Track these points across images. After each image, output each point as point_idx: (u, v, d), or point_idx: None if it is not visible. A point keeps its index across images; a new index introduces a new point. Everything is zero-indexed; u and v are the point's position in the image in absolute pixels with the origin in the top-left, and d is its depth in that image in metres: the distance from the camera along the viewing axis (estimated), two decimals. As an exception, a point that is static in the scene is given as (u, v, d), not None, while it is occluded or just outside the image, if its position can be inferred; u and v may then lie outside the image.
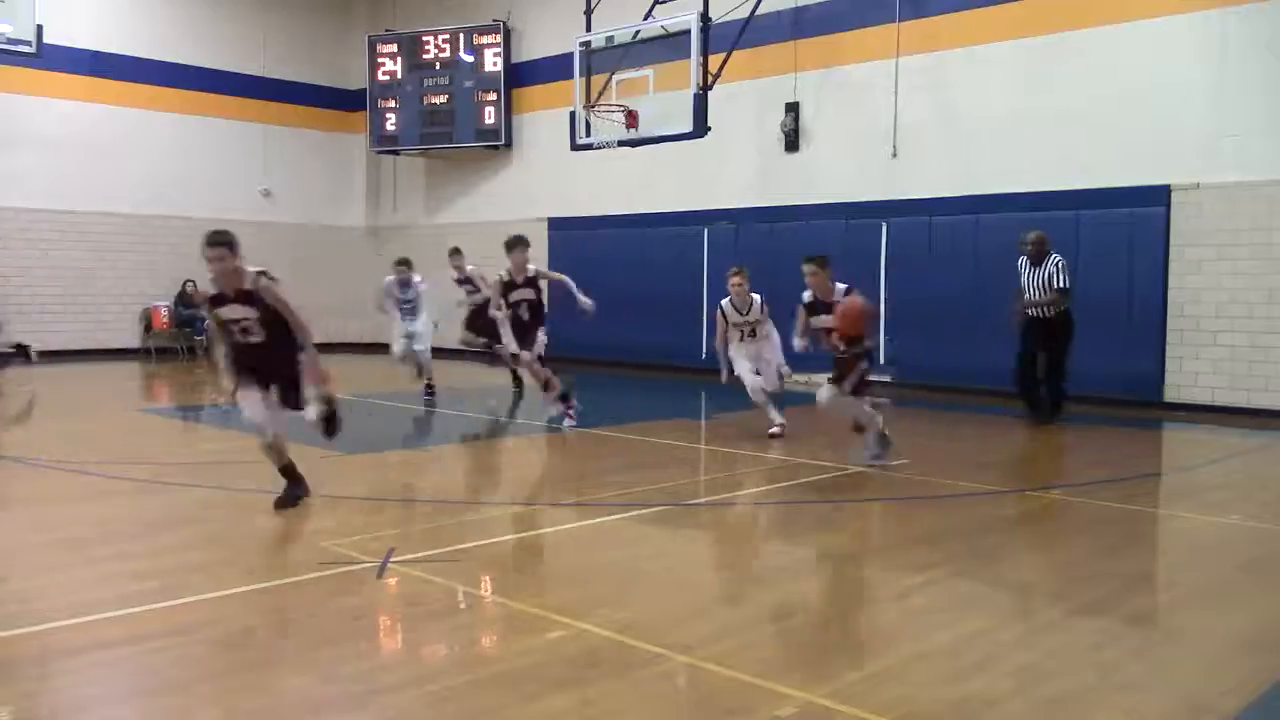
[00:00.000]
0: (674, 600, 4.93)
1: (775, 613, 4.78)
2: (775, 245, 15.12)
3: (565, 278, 10.84)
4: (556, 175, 17.82)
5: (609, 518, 6.42)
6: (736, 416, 12.09)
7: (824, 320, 8.12)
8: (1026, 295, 10.80)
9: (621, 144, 14.30)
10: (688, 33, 13.30)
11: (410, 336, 12.60)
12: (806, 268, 8.14)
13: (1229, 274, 11.51)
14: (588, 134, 14.50)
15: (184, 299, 18.68)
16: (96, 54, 17.81)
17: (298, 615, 4.52)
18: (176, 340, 18.66)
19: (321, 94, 20.79)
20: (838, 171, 14.60)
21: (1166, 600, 5.16)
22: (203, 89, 19.13)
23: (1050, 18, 12.70)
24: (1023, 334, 10.93)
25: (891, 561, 5.62)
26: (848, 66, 14.48)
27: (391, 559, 5.25)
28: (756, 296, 9.58)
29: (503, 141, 18.88)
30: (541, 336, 10.24)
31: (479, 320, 12.89)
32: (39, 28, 15.67)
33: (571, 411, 10.15)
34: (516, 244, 10.19)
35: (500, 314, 10.15)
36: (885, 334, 14.22)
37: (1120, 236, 12.07)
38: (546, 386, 10.19)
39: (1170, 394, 11.90)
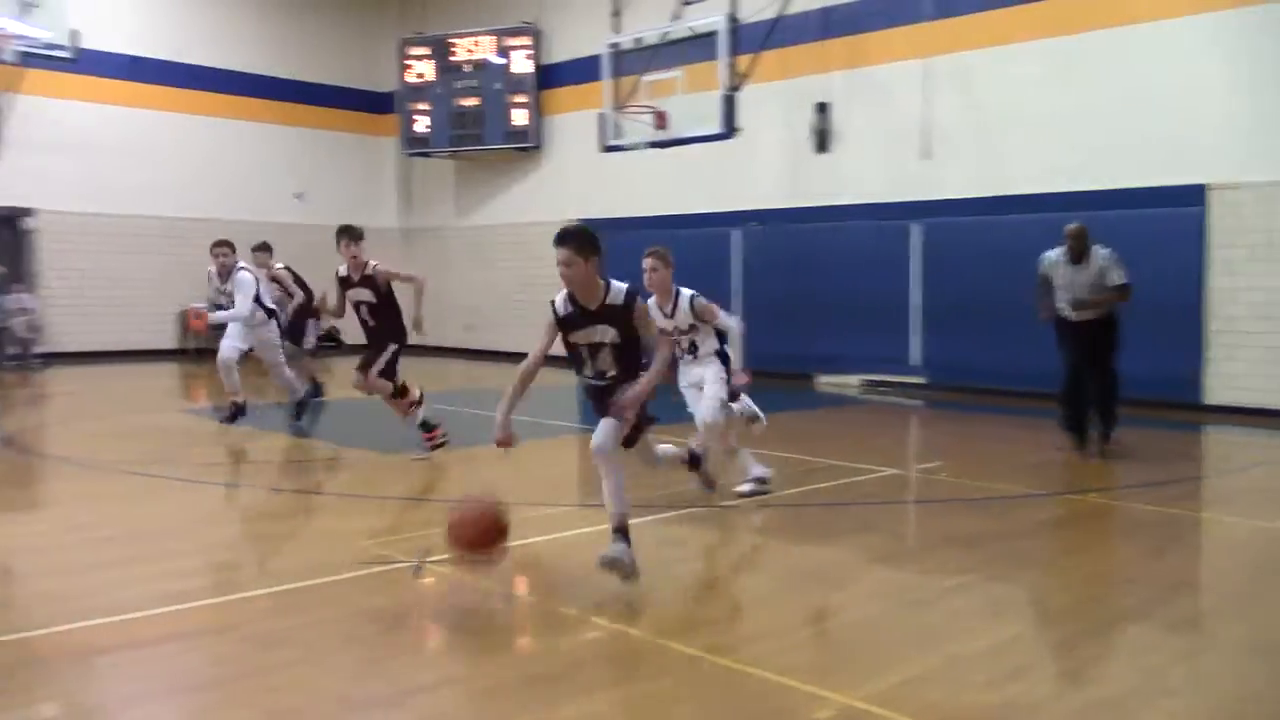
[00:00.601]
0: (710, 602, 4.91)
1: (812, 615, 4.75)
2: (805, 247, 15.10)
3: (418, 277, 8.84)
4: (586, 177, 17.85)
5: (642, 519, 6.39)
6: (769, 418, 12.06)
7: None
8: (1067, 297, 8.86)
9: (651, 145, 14.31)
10: (716, 33, 13.30)
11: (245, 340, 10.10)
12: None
13: (1267, 274, 11.35)
14: (617, 135, 14.52)
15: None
16: (133, 59, 18.01)
17: (336, 614, 4.54)
18: (212, 341, 18.82)
19: (353, 97, 20.93)
20: (868, 172, 14.54)
21: (1209, 606, 5.09)
22: (236, 92, 19.32)
23: (1082, 15, 12.58)
24: (1063, 344, 8.99)
25: (928, 564, 5.58)
26: (877, 66, 14.42)
27: (428, 559, 5.26)
28: (686, 293, 6.80)
29: (532, 143, 18.93)
30: (388, 350, 8.56)
31: (294, 325, 11.61)
32: (75, 33, 15.88)
33: (433, 440, 8.72)
34: (344, 234, 8.48)
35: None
36: (918, 335, 14.16)
37: (1157, 236, 11.92)
38: (406, 409, 8.74)
39: (1209, 396, 11.75)
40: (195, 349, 18.66)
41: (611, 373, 5.10)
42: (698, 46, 13.63)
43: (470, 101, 19.26)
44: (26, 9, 15.43)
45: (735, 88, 13.28)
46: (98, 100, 17.66)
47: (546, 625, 4.50)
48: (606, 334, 5.05)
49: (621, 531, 4.88)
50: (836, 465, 8.28)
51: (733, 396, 6.86)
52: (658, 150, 14.61)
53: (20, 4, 15.40)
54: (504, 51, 18.99)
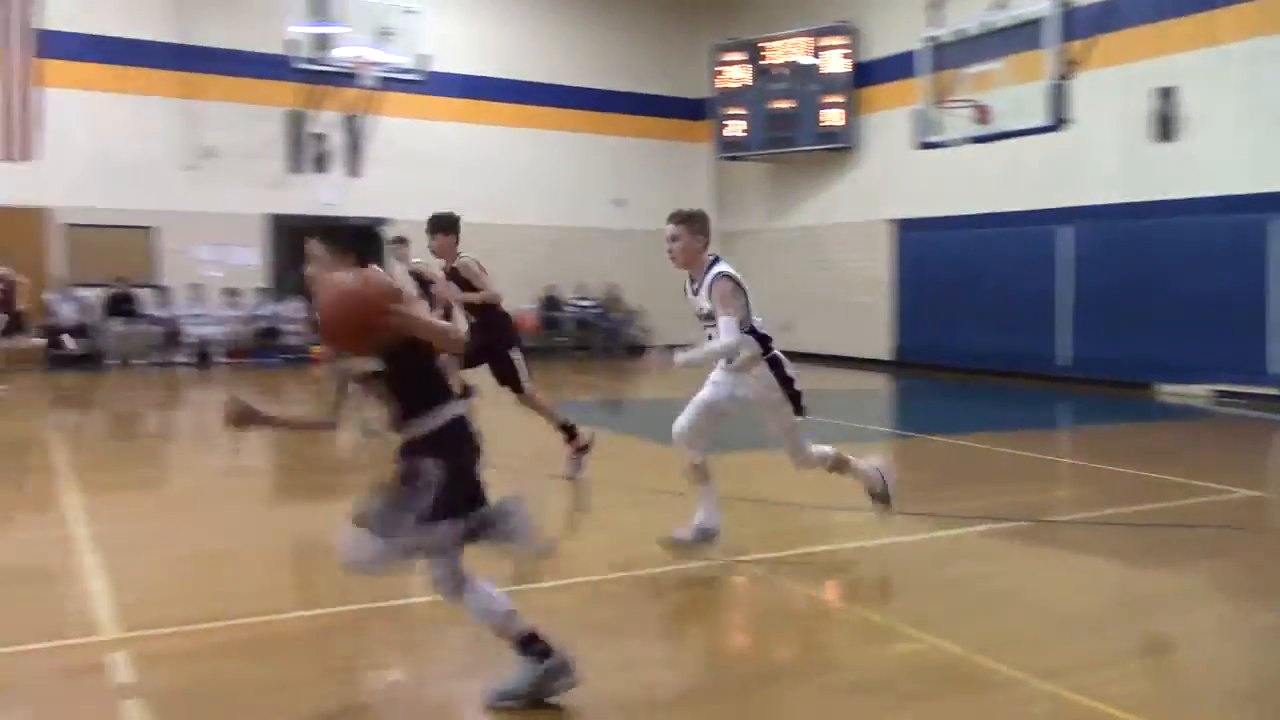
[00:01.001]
0: (1031, 622, 4.64)
1: (1148, 645, 4.38)
2: (1143, 243, 13.96)
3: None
4: (903, 175, 17.42)
5: (958, 530, 6.17)
6: (1099, 430, 11.29)
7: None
8: None
9: (971, 141, 13.77)
10: (1043, 19, 12.59)
11: None
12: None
13: None
14: (935, 131, 14.08)
15: (550, 303, 20.10)
16: (470, 78, 19.48)
17: (647, 607, 4.69)
18: (545, 341, 20.05)
19: (667, 104, 21.57)
20: (1220, 161, 13.18)
21: None
22: (557, 105, 20.44)
23: None
24: None
25: (1289, 598, 4.99)
26: (1232, 44, 13.04)
27: (737, 558, 5.33)
28: (719, 268, 5.30)
29: (846, 143, 18.71)
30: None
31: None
32: (424, 57, 17.40)
33: None
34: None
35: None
36: None
37: None
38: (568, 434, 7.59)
39: None
40: (528, 348, 19.95)
41: (389, 418, 3.52)
42: (1022, 35, 12.96)
43: (783, 104, 19.31)
44: (385, 38, 17.10)
45: (1065, 76, 12.50)
46: (441, 118, 19.25)
47: (855, 633, 4.44)
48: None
49: (522, 643, 3.54)
50: (1182, 483, 7.58)
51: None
52: (977, 146, 14.02)
53: (379, 34, 17.09)
54: (818, 52, 18.90)
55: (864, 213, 18.30)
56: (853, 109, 18.59)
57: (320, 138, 18.18)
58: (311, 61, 16.90)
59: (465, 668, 4.01)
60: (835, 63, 18.72)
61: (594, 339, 20.05)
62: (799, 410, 5.44)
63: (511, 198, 19.80)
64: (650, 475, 7.85)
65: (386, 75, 17.28)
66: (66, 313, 16.44)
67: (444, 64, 18.32)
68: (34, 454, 9.08)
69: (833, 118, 18.77)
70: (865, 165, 18.66)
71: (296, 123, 18.02)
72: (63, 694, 3.72)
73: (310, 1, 16.73)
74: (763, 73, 19.54)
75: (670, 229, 5.34)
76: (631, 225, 20.95)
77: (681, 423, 5.43)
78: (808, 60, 19.00)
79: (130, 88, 16.94)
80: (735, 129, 19.95)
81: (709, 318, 5.27)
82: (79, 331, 16.41)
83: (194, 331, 17.22)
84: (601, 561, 5.43)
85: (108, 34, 16.69)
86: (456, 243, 7.65)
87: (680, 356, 5.06)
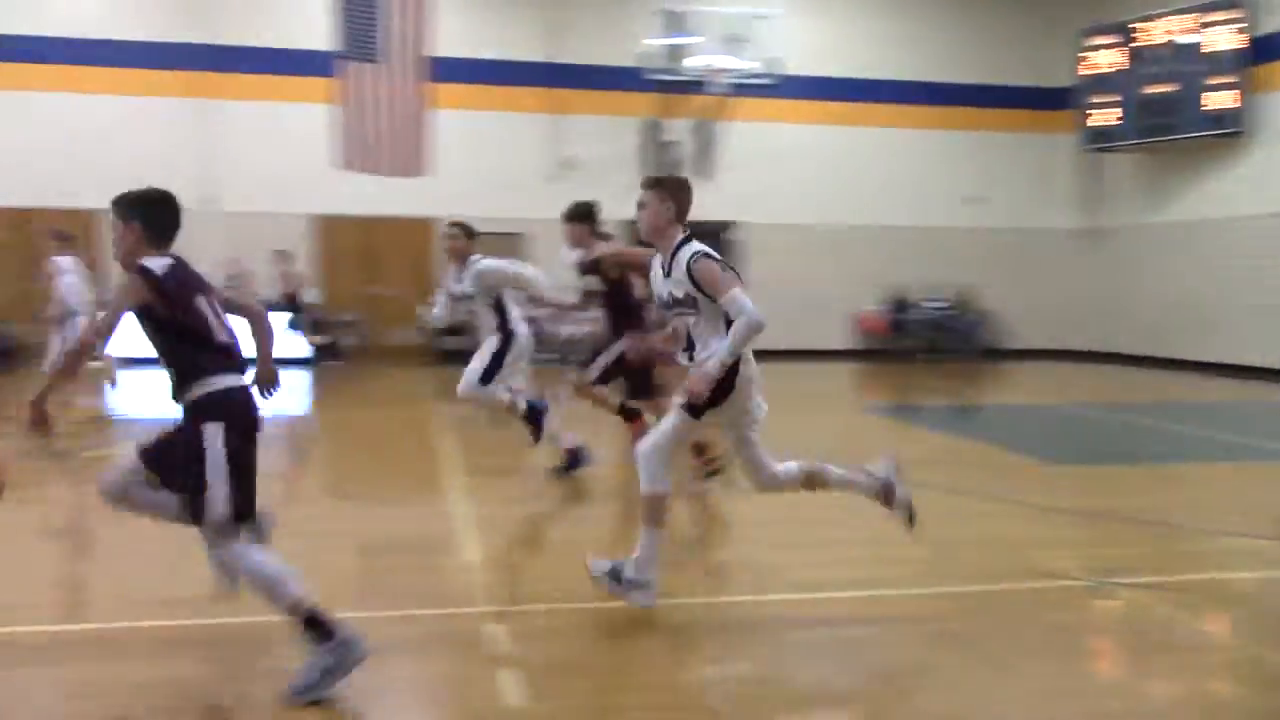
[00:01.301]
0: None
1: None
2: None
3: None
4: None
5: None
6: None
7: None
8: None
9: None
10: None
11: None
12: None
13: None
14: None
15: (899, 305, 19.64)
16: (813, 79, 19.33)
17: (1006, 623, 4.43)
18: (893, 342, 19.58)
19: (1021, 94, 20.34)
20: None
21: None
22: (903, 101, 19.85)
23: None
24: None
25: None
26: None
27: (1109, 580, 4.92)
28: (692, 247, 4.50)
29: (1239, 128, 16.80)
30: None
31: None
32: (775, 60, 17.59)
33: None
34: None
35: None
36: None
37: None
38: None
39: None
40: (871, 350, 19.61)
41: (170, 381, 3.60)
42: None
43: (1160, 88, 17.65)
44: (736, 44, 17.46)
45: None
46: (787, 120, 19.24)
47: (1245, 674, 3.95)
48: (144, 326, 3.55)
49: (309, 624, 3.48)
50: None
51: (693, 410, 4.44)
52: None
53: (729, 41, 17.48)
54: (1202, 29, 17.10)
55: (1263, 204, 16.34)
56: (1247, 89, 16.67)
57: (672, 145, 18.82)
58: (664, 72, 17.54)
59: (803, 672, 3.96)
60: (1224, 39, 16.86)
61: (945, 341, 19.36)
62: (693, 409, 4.44)
63: (857, 196, 19.58)
64: (1006, 484, 7.45)
65: (737, 81, 17.61)
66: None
67: (791, 66, 18.38)
68: (422, 439, 10.08)
69: (1221, 100, 16.91)
70: (1263, 151, 16.66)
71: (650, 132, 18.77)
72: (445, 657, 4.06)
73: (665, 15, 17.40)
74: (1136, 56, 17.99)
75: (640, 194, 4.60)
76: (985, 223, 20.04)
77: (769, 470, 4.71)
78: (1189, 39, 17.26)
79: (503, 105, 18.37)
80: (1103, 118, 18.50)
81: (681, 303, 4.50)
82: (454, 330, 18.04)
83: (554, 331, 18.38)
84: (957, 571, 5.19)
85: (486, 57, 18.22)
86: (591, 232, 7.21)
87: (711, 363, 4.29)
